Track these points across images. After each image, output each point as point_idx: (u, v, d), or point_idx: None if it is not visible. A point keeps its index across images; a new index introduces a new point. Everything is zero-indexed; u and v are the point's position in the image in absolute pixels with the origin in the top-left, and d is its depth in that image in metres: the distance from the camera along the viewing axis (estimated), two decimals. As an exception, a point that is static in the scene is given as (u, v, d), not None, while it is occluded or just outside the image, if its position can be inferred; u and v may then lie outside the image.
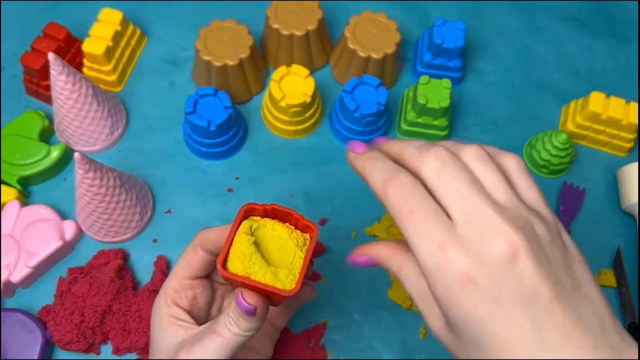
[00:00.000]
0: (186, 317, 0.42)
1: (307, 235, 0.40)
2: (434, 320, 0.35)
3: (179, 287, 0.43)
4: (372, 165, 0.37)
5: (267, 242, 0.40)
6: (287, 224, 0.41)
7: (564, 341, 0.31)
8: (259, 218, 0.41)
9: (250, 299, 0.38)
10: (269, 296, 0.39)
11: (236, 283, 0.39)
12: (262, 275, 0.38)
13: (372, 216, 0.59)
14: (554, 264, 0.33)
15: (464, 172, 0.33)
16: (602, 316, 0.33)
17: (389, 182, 0.35)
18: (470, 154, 0.34)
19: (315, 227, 0.40)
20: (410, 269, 0.35)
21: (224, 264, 0.38)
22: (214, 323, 0.40)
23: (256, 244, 0.39)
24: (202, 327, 0.41)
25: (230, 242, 0.39)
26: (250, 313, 0.38)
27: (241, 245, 0.38)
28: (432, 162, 0.34)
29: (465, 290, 0.32)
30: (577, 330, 0.32)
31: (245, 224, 0.40)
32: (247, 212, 0.40)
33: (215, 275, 0.46)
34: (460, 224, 0.32)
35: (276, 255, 0.39)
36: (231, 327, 0.39)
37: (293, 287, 0.38)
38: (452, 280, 0.32)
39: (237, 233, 0.39)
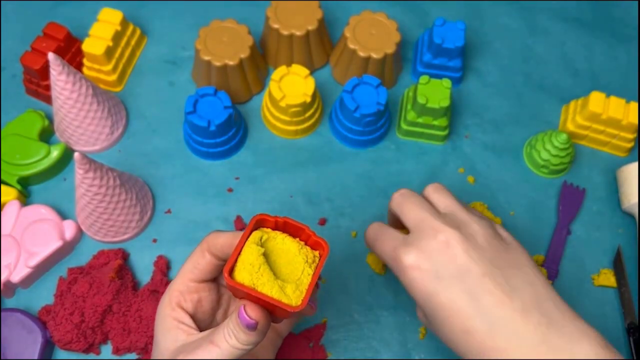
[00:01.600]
0: (189, 320, 0.42)
1: (316, 253, 0.40)
2: (418, 310, 0.46)
3: (184, 289, 0.43)
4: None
5: (276, 255, 0.39)
6: (298, 239, 0.40)
7: (495, 304, 0.41)
8: (269, 230, 0.40)
9: (252, 313, 0.38)
10: (272, 310, 0.39)
11: (241, 293, 0.38)
12: (269, 288, 0.37)
13: (372, 216, 0.59)
14: (486, 250, 0.43)
15: (415, 198, 0.47)
16: (534, 285, 0.42)
17: (367, 229, 0.50)
18: (429, 187, 0.48)
19: (326, 245, 0.40)
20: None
21: (231, 273, 0.38)
22: (213, 333, 0.40)
23: (265, 255, 0.38)
24: (202, 334, 0.41)
25: (239, 251, 0.38)
26: (252, 327, 0.38)
27: (250, 255, 0.38)
28: (396, 198, 0.48)
29: (414, 273, 0.43)
30: (508, 297, 0.41)
31: (256, 235, 0.39)
32: (259, 223, 0.40)
33: (221, 279, 0.45)
34: (412, 232, 0.45)
35: (284, 270, 0.39)
36: (230, 339, 0.38)
37: (299, 303, 0.37)
38: (403, 269, 0.44)
39: (247, 243, 0.38)
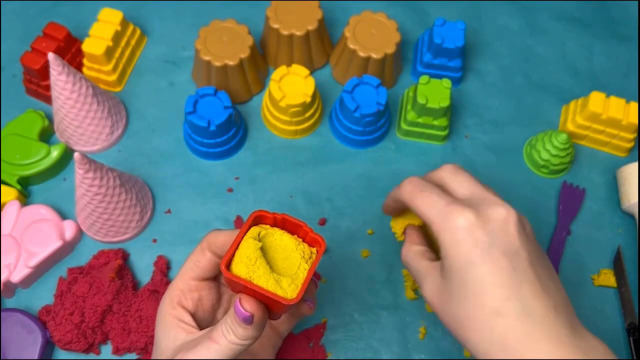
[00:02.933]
0: (189, 319, 0.42)
1: (314, 249, 0.40)
2: (429, 284, 0.43)
3: (185, 287, 0.43)
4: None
5: (274, 251, 0.40)
6: (296, 235, 0.41)
7: (533, 295, 0.39)
8: (268, 226, 0.41)
9: (248, 306, 0.38)
10: (269, 304, 0.39)
11: (238, 286, 0.38)
12: (265, 281, 0.37)
13: (372, 216, 0.59)
14: (530, 240, 0.42)
15: (431, 189, 0.44)
16: (561, 290, 0.41)
17: (404, 182, 0.46)
18: (445, 169, 0.46)
19: (323, 241, 0.40)
20: (415, 254, 0.46)
21: (228, 266, 0.38)
22: (212, 329, 0.40)
23: (262, 250, 0.39)
24: (202, 332, 0.41)
25: (236, 245, 0.39)
26: (248, 321, 0.38)
27: (247, 249, 0.38)
28: (406, 186, 0.45)
29: (465, 234, 0.40)
30: (545, 292, 0.39)
31: (254, 230, 0.40)
32: (257, 219, 0.40)
33: (222, 278, 0.46)
34: (465, 199, 0.42)
35: (281, 265, 0.39)
36: (228, 334, 0.38)
37: (295, 296, 0.38)
38: (453, 228, 0.40)
39: (245, 237, 0.39)
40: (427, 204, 0.43)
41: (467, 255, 0.40)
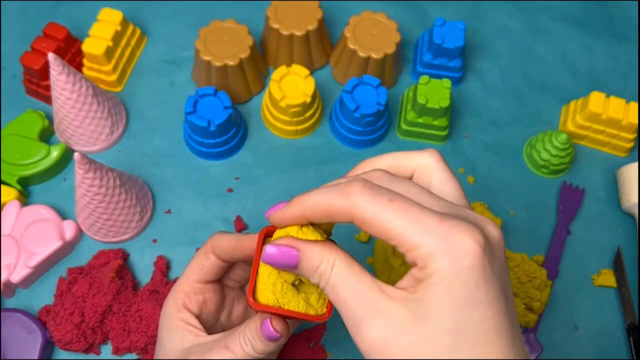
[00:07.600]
0: (195, 322, 0.42)
1: None
2: (384, 324, 0.32)
3: (190, 290, 0.43)
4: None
5: None
6: None
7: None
8: None
9: (279, 327, 0.38)
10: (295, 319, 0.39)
11: (268, 313, 0.38)
12: (296, 304, 0.37)
13: (372, 216, 0.59)
14: None
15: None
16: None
17: (371, 199, 0.32)
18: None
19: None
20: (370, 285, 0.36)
21: (254, 294, 0.37)
22: (227, 337, 0.40)
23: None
24: (213, 336, 0.41)
25: (255, 270, 0.37)
26: (274, 339, 0.38)
27: (270, 275, 0.37)
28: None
29: (476, 261, 0.29)
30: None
31: None
32: (267, 235, 0.39)
33: (226, 280, 0.46)
34: (448, 211, 0.31)
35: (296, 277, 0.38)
36: (245, 346, 0.39)
37: (325, 311, 0.38)
38: (463, 251, 0.29)
39: (262, 262, 0.37)
40: (406, 218, 0.30)
41: (470, 293, 0.29)
